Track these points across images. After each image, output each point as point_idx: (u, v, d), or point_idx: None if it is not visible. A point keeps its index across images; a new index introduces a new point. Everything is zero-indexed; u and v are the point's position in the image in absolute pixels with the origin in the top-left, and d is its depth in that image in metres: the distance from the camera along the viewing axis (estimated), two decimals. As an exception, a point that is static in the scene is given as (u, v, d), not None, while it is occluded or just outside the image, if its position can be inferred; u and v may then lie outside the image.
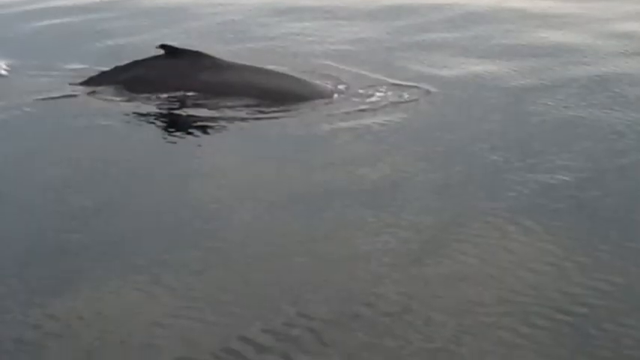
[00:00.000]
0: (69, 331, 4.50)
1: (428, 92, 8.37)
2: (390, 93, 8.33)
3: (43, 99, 8.35)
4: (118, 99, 8.39)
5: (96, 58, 9.86)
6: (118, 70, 8.80)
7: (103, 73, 8.86)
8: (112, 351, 4.32)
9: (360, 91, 8.42)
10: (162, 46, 8.60)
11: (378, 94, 8.32)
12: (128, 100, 8.35)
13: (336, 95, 8.37)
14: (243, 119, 7.85)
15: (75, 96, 8.47)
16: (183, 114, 8.04)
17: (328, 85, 8.61)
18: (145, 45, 9.67)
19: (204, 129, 7.63)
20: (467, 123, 7.57)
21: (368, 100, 8.19)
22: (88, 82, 8.76)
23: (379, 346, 4.29)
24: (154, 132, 7.65)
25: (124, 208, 6.00)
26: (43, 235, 5.59)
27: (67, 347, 4.36)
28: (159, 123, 7.85)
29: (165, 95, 8.39)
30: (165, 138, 7.50)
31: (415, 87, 8.50)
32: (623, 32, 10.93)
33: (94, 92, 8.55)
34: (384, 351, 4.25)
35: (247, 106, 8.10)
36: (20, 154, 7.10)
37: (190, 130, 7.61)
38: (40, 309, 4.69)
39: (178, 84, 8.47)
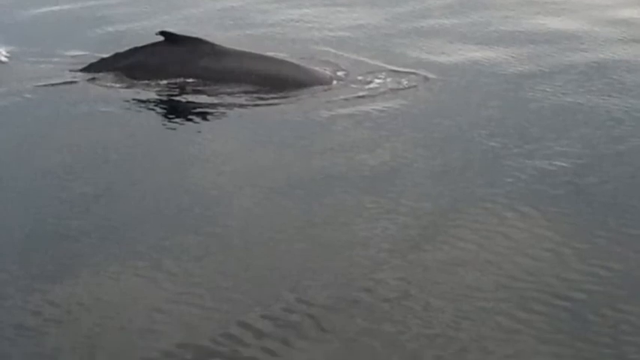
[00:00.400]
0: (69, 317, 4.49)
1: (426, 79, 8.34)
2: (388, 79, 8.30)
3: (43, 85, 8.32)
4: (118, 85, 8.36)
5: (96, 44, 9.82)
6: (117, 56, 8.76)
7: (103, 59, 8.82)
8: (112, 336, 4.31)
9: (359, 77, 8.39)
10: (162, 33, 8.56)
11: (376, 80, 8.29)
12: (128, 87, 8.31)
13: (335, 82, 8.34)
14: (242, 105, 7.82)
15: (75, 82, 8.44)
16: (183, 100, 8.01)
17: (327, 72, 8.57)
18: (144, 31, 9.64)
19: (203, 115, 7.60)
20: (465, 109, 7.54)
21: (367, 86, 8.16)
22: (88, 68, 8.72)
23: (378, 332, 4.27)
24: (153, 118, 7.62)
25: (124, 194, 5.98)
26: (43, 221, 5.56)
27: (67, 333, 4.35)
28: (158, 109, 7.82)
29: (164, 82, 8.36)
30: (165, 124, 7.48)
31: (414, 73, 8.47)
32: (621, 19, 10.89)
33: (93, 79, 8.52)
34: (383, 336, 4.23)
35: (246, 92, 8.07)
36: (20, 140, 7.07)
37: (190, 117, 7.58)
38: (41, 295, 4.68)
39: (178, 70, 8.44)
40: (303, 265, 4.92)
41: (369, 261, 4.94)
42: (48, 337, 4.31)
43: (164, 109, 7.85)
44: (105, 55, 8.88)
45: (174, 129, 7.34)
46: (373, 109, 7.50)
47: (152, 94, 8.10)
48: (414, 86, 8.15)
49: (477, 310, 4.42)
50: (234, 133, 7.18)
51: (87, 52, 9.34)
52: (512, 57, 9.14)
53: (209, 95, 8.04)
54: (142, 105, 7.85)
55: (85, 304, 4.59)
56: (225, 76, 8.32)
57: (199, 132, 7.25)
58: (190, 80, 8.35)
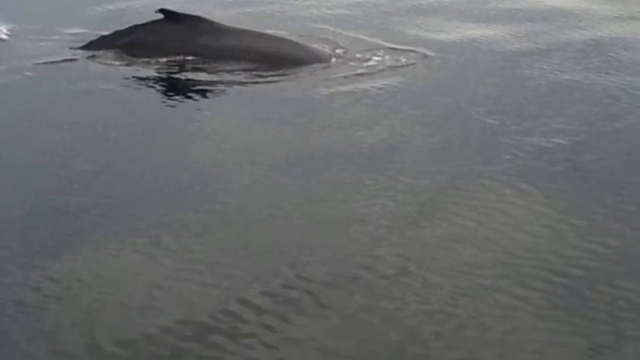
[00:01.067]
0: (69, 293, 4.45)
1: (425, 56, 8.29)
2: (387, 57, 8.25)
3: (43, 63, 8.24)
4: (118, 63, 8.29)
5: (96, 22, 9.74)
6: (117, 34, 8.69)
7: (103, 37, 8.75)
8: (112, 312, 4.27)
9: (358, 55, 8.34)
10: (162, 11, 8.48)
11: (375, 58, 8.24)
12: (128, 64, 8.25)
13: (334, 59, 8.28)
14: (241, 83, 7.77)
15: (75, 60, 8.37)
16: (183, 78, 7.95)
17: (326, 50, 8.52)
18: (144, 9, 9.55)
19: (203, 93, 7.54)
20: (463, 87, 7.49)
21: (365, 64, 8.11)
22: (88, 46, 8.65)
23: (377, 308, 4.24)
24: (153, 96, 7.56)
25: (123, 171, 5.94)
26: (44, 198, 5.52)
27: (67, 309, 4.31)
28: (158, 87, 7.76)
29: (164, 59, 8.30)
30: (164, 102, 7.42)
31: (412, 51, 8.41)
32: (618, -3, 10.82)
33: (93, 56, 8.45)
34: (381, 312, 4.20)
35: (246, 70, 8.02)
36: (20, 117, 7.01)
37: (189, 94, 7.52)
38: (41, 271, 4.64)
39: (178, 48, 8.38)
40: (301, 241, 4.88)
41: (367, 238, 4.90)
42: (48, 314, 4.27)
43: (164, 86, 7.79)
44: (105, 33, 8.82)
45: (174, 106, 7.28)
46: (372, 87, 7.45)
47: (152, 72, 8.04)
48: (413, 64, 8.10)
49: (474, 287, 4.39)
50: (234, 110, 7.13)
51: (87, 30, 9.26)
52: (510, 35, 9.08)
53: (208, 73, 7.98)
54: (142, 83, 7.78)
55: (85, 281, 4.56)
56: (225, 54, 8.26)
57: (199, 109, 7.19)
58: (190, 58, 8.29)
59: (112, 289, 4.47)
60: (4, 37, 9.22)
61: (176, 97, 7.48)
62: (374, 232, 4.95)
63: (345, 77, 7.74)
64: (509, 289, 4.35)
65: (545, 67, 7.89)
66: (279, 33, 8.85)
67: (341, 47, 8.60)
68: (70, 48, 8.67)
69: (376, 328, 4.09)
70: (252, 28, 8.65)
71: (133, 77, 7.90)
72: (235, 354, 3.93)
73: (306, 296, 4.33)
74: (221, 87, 7.68)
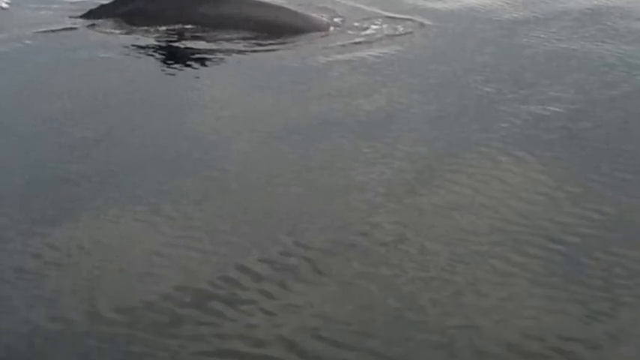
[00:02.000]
0: (69, 260, 4.40)
1: (422, 25, 8.19)
2: (385, 26, 8.15)
3: (43, 32, 8.12)
4: (118, 32, 8.18)
5: (96, -9, 9.61)
6: (117, 2, 8.57)
7: (103, 6, 8.63)
8: (112, 279, 4.22)
9: (356, 23, 8.24)
10: (161, -21, 8.38)
11: (373, 26, 8.14)
12: (127, 33, 8.14)
13: (332, 28, 8.19)
14: (240, 51, 7.67)
15: (75, 29, 8.25)
16: (182, 46, 7.85)
17: (324, 18, 8.41)
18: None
19: (202, 61, 7.46)
20: (460, 55, 7.40)
21: (363, 32, 8.01)
22: (88, 14, 8.53)
23: (374, 275, 4.19)
24: (152, 64, 7.47)
25: (123, 139, 5.87)
26: (44, 165, 5.45)
27: (67, 276, 4.26)
28: (158, 55, 7.66)
29: (163, 28, 8.19)
30: (163, 70, 7.33)
31: (410, 20, 8.31)
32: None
33: (93, 25, 8.33)
34: (379, 279, 4.15)
35: (244, 38, 7.92)
36: (21, 86, 6.92)
37: (188, 63, 7.43)
38: (41, 238, 4.58)
39: (177, 17, 8.27)
40: (300, 209, 4.82)
41: (365, 205, 4.84)
42: (48, 280, 4.22)
43: (163, 55, 7.69)
44: (104, 2, 8.69)
45: (173, 75, 7.20)
46: (370, 55, 7.37)
47: (151, 41, 7.93)
48: (410, 32, 8.00)
49: (472, 254, 4.34)
50: (232, 78, 7.05)
51: (87, -1, 9.14)
52: (507, 3, 8.95)
53: (207, 41, 7.88)
54: (141, 51, 7.69)
55: (85, 248, 4.50)
56: (224, 23, 8.16)
57: (198, 78, 7.11)
58: (189, 26, 8.19)
59: (112, 256, 4.42)
60: (4, 5, 9.09)
61: (175, 66, 7.39)
62: (372, 200, 4.89)
63: (343, 46, 7.65)
64: (506, 256, 4.30)
65: (541, 36, 7.80)
66: (278, 2, 8.74)
67: (339, 16, 8.49)
68: (70, 17, 8.54)
69: (374, 294, 4.04)
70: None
71: (133, 46, 7.80)
72: (234, 320, 3.88)
73: (305, 263, 4.28)
74: (220, 55, 7.59)
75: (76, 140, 5.80)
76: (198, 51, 7.68)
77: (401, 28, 8.09)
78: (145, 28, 8.20)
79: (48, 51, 7.73)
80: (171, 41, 7.96)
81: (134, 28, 8.23)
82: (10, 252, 4.48)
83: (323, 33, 8.06)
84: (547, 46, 7.56)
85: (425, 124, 5.93)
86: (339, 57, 7.37)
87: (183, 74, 7.19)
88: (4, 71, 7.36)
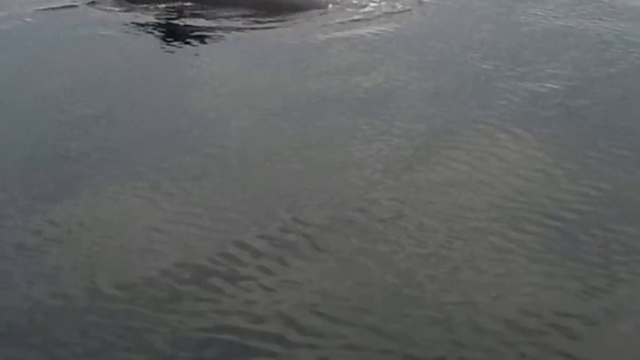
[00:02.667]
0: (69, 237, 4.36)
1: (420, 2, 8.12)
2: (383, 3, 8.07)
3: (44, 9, 8.04)
4: (117, 9, 8.10)
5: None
6: (117, -20, 8.49)
7: (103, -17, 8.54)
8: (112, 256, 4.19)
9: (354, 1, 8.16)
10: (160, -43, 8.28)
11: (371, 4, 8.07)
12: (127, 11, 8.06)
13: (330, 5, 8.11)
14: (239, 29, 7.60)
15: (75, 6, 8.17)
16: (181, 24, 7.78)
17: (323, -4, 8.34)
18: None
19: (201, 38, 7.39)
20: (458, 33, 7.34)
21: (362, 10, 7.94)
22: (88, -8, 8.45)
23: (372, 251, 4.15)
24: (152, 42, 7.40)
25: (123, 116, 5.81)
26: (44, 142, 5.40)
27: (68, 252, 4.22)
28: (157, 33, 7.59)
29: (163, 5, 8.12)
30: (163, 47, 7.26)
31: (408, -3, 8.24)
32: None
33: (93, 3, 8.25)
34: (377, 256, 4.11)
35: (244, 16, 7.85)
36: (21, 63, 6.85)
37: (188, 40, 7.36)
38: (41, 215, 4.54)
39: (176, -6, 8.20)
40: (299, 185, 4.78)
41: (363, 181, 4.80)
42: (48, 257, 4.19)
43: (162, 32, 7.62)
44: (104, -20, 8.60)
45: (173, 52, 7.13)
46: (368, 33, 7.30)
47: (151, 18, 7.86)
48: (408, 10, 7.93)
49: (469, 230, 4.30)
50: (231, 56, 6.99)
51: (87, -23, 9.05)
52: (505, -19, 8.87)
53: (207, 19, 7.81)
54: (141, 29, 7.61)
55: (85, 224, 4.46)
56: (223, 0, 8.09)
57: (197, 55, 7.05)
58: (188, 4, 8.12)
59: (112, 232, 4.38)
60: (4, -17, 8.99)
61: (175, 43, 7.32)
62: (370, 176, 4.85)
63: (341, 23, 7.59)
64: (504, 233, 4.27)
65: (539, 13, 7.72)
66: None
67: (337, -7, 8.41)
68: (70, -6, 8.46)
69: (372, 270, 4.01)
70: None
71: (132, 23, 7.73)
72: (233, 296, 3.85)
73: (303, 239, 4.24)
74: (219, 33, 7.52)
75: (76, 117, 5.75)
76: (198, 29, 7.61)
77: (399, 6, 8.02)
78: (145, 5, 8.13)
79: (48, 29, 7.66)
80: (170, 19, 7.89)
81: (134, 5, 8.16)
82: (11, 228, 4.44)
83: (322, 10, 7.99)
84: (544, 23, 7.49)
85: (423, 101, 5.88)
86: (338, 34, 7.31)
87: (183, 52, 7.13)
88: (5, 49, 7.29)
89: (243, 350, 3.50)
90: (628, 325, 3.61)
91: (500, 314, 3.68)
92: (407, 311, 3.72)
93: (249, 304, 3.79)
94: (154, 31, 7.60)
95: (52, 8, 8.10)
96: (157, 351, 3.52)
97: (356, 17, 7.75)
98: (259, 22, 7.72)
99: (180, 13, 7.98)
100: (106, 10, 8.09)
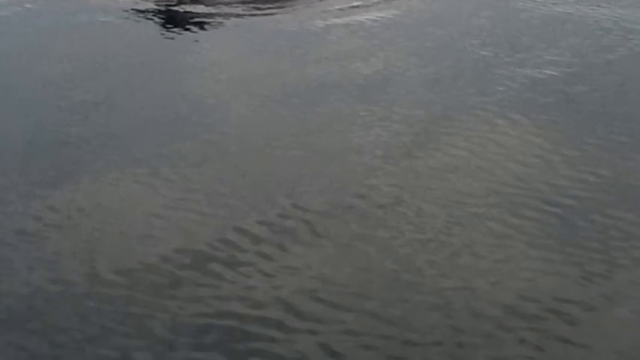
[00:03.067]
0: (69, 222, 4.33)
1: (420, -11, 8.06)
2: (382, -11, 8.02)
3: (44, -4, 8.00)
4: (117, -4, 8.06)
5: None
6: (116, -33, 8.42)
7: (102, -30, 8.48)
8: (111, 241, 4.16)
9: (354, -13, 8.10)
10: (160, -57, 8.21)
11: (370, -10, 8.01)
12: (127, -3, 8.01)
13: (329, -8, 8.05)
14: (239, 15, 7.54)
15: (75, -7, 8.12)
16: (181, 10, 7.71)
17: (322, -18, 8.28)
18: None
19: (200, 25, 7.33)
20: (457, 19, 7.28)
21: (361, -4, 7.89)
22: (88, -22, 8.39)
23: (372, 237, 4.12)
24: (152, 28, 7.34)
25: (123, 102, 5.77)
26: (44, 128, 5.37)
27: (67, 238, 4.20)
28: (157, 19, 7.53)
29: (162, -8, 8.06)
30: (163, 34, 7.21)
31: (407, -16, 8.17)
32: None
33: (93, -11, 8.20)
34: (376, 241, 4.09)
35: (243, 2, 7.79)
36: (21, 49, 6.80)
37: (187, 26, 7.30)
38: (41, 201, 4.51)
39: (176, -19, 8.14)
40: (298, 171, 4.75)
41: (362, 167, 4.77)
42: (48, 242, 4.16)
43: (162, 18, 7.56)
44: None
45: (172, 38, 7.08)
46: (367, 19, 7.25)
47: (150, 4, 7.80)
48: (408, -4, 7.87)
49: (468, 216, 4.27)
50: (231, 42, 6.94)
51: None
52: (504, -32, 8.81)
53: (206, 5, 7.75)
54: (141, 15, 7.56)
55: (85, 210, 4.44)
56: (222, -14, 8.04)
57: (197, 41, 7.00)
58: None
59: (112, 218, 4.36)
60: (4, -31, 8.93)
61: (174, 30, 7.27)
62: (369, 162, 4.82)
63: (340, 9, 7.53)
64: (503, 218, 4.24)
65: (537, 0, 7.66)
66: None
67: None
68: (70, -19, 8.40)
69: (371, 256, 3.98)
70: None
71: (132, 10, 7.67)
72: (233, 282, 3.82)
73: (303, 225, 4.22)
74: (218, 19, 7.46)
75: (75, 103, 5.71)
76: (197, 15, 7.55)
77: (398, -8, 7.96)
78: (145, -8, 8.07)
79: (48, 15, 7.61)
80: (170, 5, 7.83)
81: (133, -8, 8.10)
82: (11, 214, 4.42)
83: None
84: (543, 10, 7.43)
85: (422, 87, 5.84)
86: (337, 21, 7.26)
87: (182, 38, 7.08)
88: (5, 35, 7.25)
89: (242, 336, 3.48)
90: (626, 311, 3.59)
91: (499, 300, 3.66)
92: (406, 297, 3.70)
93: (249, 290, 3.76)
94: (153, 17, 7.54)
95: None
96: (156, 336, 3.50)
97: (355, 3, 7.69)
98: (259, 9, 7.67)
99: (180, 0, 7.92)
100: (106, -4, 8.04)
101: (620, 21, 7.04)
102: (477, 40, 6.71)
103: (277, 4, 7.75)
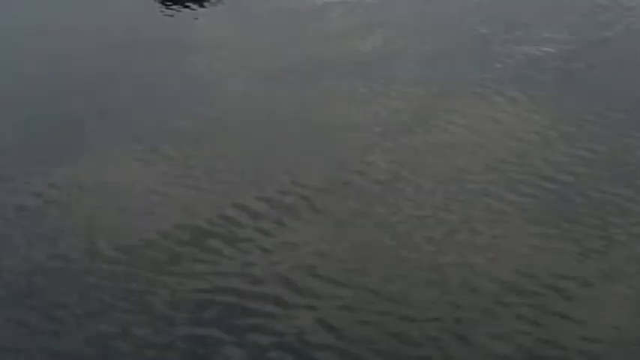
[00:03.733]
0: (69, 199, 4.29)
1: (418, -33, 7.96)
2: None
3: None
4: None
5: None
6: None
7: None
8: (111, 218, 4.11)
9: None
10: None
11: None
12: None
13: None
14: (238, -7, 7.48)
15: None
16: (181, -12, 7.65)
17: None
18: None
19: (200, 2, 7.26)
20: (456, -3, 7.21)
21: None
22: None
23: (370, 213, 4.08)
24: (152, 5, 7.27)
25: (123, 79, 5.72)
26: (44, 105, 5.32)
27: (68, 214, 4.15)
28: (157, -3, 7.47)
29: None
30: (163, 11, 7.13)
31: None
32: None
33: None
34: (374, 217, 4.04)
35: (242, -20, 7.71)
36: (20, 26, 6.74)
37: (187, 4, 7.23)
38: (41, 177, 4.47)
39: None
40: (297, 148, 4.70)
41: (361, 144, 4.72)
42: (48, 219, 4.12)
43: (162, -4, 7.50)
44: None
45: (172, 16, 7.01)
46: (366, -3, 7.18)
47: (150, -18, 7.72)
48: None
49: (466, 192, 4.22)
50: (231, 20, 6.86)
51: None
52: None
53: (206, -17, 7.68)
54: (141, -8, 7.49)
55: (85, 187, 4.39)
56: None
57: (196, 19, 6.92)
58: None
59: (112, 194, 4.31)
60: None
61: (174, 7, 7.20)
62: (367, 139, 4.76)
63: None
64: (500, 195, 4.19)
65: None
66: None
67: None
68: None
69: (369, 232, 3.94)
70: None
71: (132, -13, 7.60)
72: (232, 258, 3.78)
73: (301, 202, 4.17)
74: (218, -3, 7.40)
75: (76, 80, 5.65)
76: (197, -8, 7.48)
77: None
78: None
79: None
80: (170, -17, 7.75)
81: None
82: (11, 190, 4.38)
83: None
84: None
85: (420, 64, 5.77)
86: (336, -2, 7.19)
87: (182, 15, 7.00)
88: (4, 12, 7.17)
89: (241, 311, 3.44)
90: (622, 287, 3.54)
91: (497, 275, 3.62)
92: (404, 273, 3.66)
93: (248, 266, 3.72)
94: (153, -5, 7.48)
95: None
96: (156, 312, 3.46)
97: (354, -19, 7.60)
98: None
99: (180, -23, 7.84)
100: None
101: (618, -2, 6.97)
102: (475, 17, 6.65)
103: (276, -18, 7.66)
